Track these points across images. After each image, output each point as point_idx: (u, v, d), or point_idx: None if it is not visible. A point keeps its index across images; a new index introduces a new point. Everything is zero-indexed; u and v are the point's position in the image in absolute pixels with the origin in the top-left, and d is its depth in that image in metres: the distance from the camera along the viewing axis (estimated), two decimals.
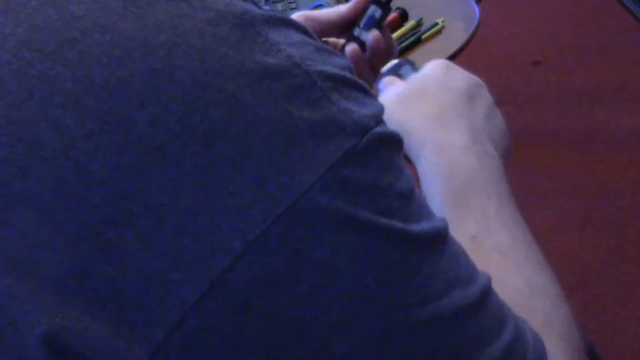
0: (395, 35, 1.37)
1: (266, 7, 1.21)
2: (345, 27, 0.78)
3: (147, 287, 0.34)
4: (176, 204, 0.34)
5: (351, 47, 0.76)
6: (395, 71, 0.73)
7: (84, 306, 0.34)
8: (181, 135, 0.34)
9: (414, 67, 0.72)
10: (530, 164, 2.11)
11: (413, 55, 1.32)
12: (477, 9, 1.38)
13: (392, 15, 1.34)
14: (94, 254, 0.34)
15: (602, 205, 1.97)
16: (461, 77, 0.66)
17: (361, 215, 0.37)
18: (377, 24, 0.77)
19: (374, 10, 0.78)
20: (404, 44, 1.35)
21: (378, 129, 0.39)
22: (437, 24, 1.38)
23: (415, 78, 0.67)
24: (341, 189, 0.37)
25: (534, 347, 0.45)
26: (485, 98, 0.66)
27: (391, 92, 0.66)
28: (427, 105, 0.63)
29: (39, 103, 0.34)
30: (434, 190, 0.59)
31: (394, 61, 0.74)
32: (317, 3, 1.18)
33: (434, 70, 0.66)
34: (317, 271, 0.36)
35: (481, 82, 0.67)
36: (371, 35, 0.75)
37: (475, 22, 1.35)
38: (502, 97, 2.34)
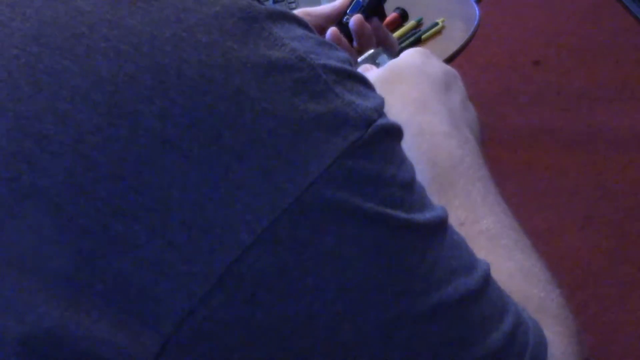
0: (395, 35, 1.37)
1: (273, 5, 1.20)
2: (340, 19, 0.79)
3: (155, 280, 0.34)
4: (184, 196, 0.35)
5: (330, 30, 0.76)
6: (373, 60, 0.73)
7: (93, 300, 0.34)
8: (188, 128, 0.35)
9: (391, 56, 0.72)
10: (530, 164, 2.11)
11: None
12: (477, 9, 1.38)
13: (392, 15, 1.34)
14: (102, 247, 0.34)
15: (602, 205, 1.97)
16: (438, 65, 0.66)
17: (367, 206, 0.37)
18: (362, 9, 0.77)
19: None
20: (404, 44, 1.35)
21: (380, 121, 0.39)
22: (437, 24, 1.38)
23: (394, 63, 0.67)
24: (347, 181, 0.37)
25: (534, 335, 0.45)
26: (460, 88, 0.66)
27: (369, 76, 0.65)
28: (407, 89, 0.63)
29: (47, 97, 0.35)
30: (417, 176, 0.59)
31: (371, 50, 0.75)
32: None
33: (412, 56, 0.66)
34: (325, 262, 0.37)
35: (456, 73, 0.67)
36: (352, 20, 0.75)
37: (475, 22, 1.34)
38: (502, 97, 2.34)
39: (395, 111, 0.61)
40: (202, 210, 0.35)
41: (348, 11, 0.78)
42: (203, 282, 0.35)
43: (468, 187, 0.57)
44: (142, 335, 0.34)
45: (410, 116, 0.61)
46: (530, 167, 2.10)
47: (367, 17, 0.78)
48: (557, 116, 2.26)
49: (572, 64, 2.42)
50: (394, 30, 1.38)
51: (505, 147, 2.15)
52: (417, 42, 1.36)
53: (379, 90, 0.63)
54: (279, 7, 0.40)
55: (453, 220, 0.53)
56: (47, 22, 0.36)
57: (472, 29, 1.34)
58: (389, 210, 0.38)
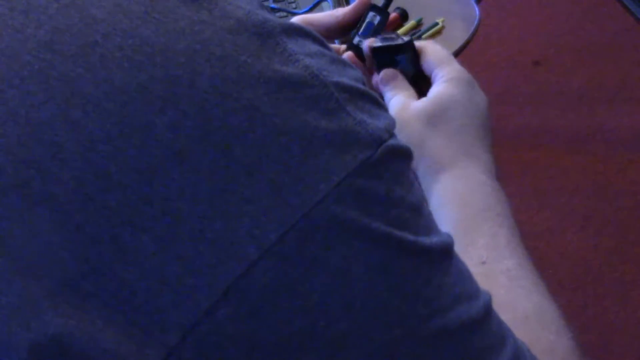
0: None
1: (273, 5, 1.20)
2: (342, 31, 0.78)
3: (162, 291, 0.34)
4: (193, 208, 0.34)
5: (346, 55, 0.75)
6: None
7: (99, 308, 0.34)
8: (199, 140, 0.35)
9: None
10: (530, 164, 2.11)
11: None
12: (477, 9, 1.38)
13: (392, 15, 1.34)
14: (110, 256, 0.34)
15: (602, 205, 1.97)
16: (482, 97, 0.67)
17: (374, 226, 0.37)
18: (375, 31, 0.76)
19: (373, 17, 0.77)
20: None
21: (391, 141, 0.39)
22: (437, 24, 1.38)
23: (440, 93, 0.67)
24: (355, 200, 0.37)
25: None
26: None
27: (413, 108, 0.67)
28: (450, 128, 0.65)
29: (59, 105, 0.34)
30: (446, 213, 0.61)
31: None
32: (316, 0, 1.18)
33: (458, 88, 0.67)
34: (330, 280, 0.36)
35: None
36: (366, 43, 0.74)
37: (475, 22, 1.34)
38: (502, 97, 2.34)
39: (436, 149, 0.64)
40: (210, 223, 0.35)
41: (359, 32, 0.77)
42: (209, 295, 0.34)
43: (494, 229, 0.59)
44: (146, 346, 0.34)
45: (451, 159, 0.63)
46: (531, 167, 2.10)
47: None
48: (557, 116, 2.26)
49: (572, 64, 2.42)
50: (394, 30, 1.38)
51: (505, 147, 2.15)
52: None
53: (421, 124, 0.66)
54: (295, 22, 0.40)
55: (475, 258, 0.56)
56: (61, 29, 0.36)
57: (472, 29, 1.34)
58: (396, 231, 0.38)
